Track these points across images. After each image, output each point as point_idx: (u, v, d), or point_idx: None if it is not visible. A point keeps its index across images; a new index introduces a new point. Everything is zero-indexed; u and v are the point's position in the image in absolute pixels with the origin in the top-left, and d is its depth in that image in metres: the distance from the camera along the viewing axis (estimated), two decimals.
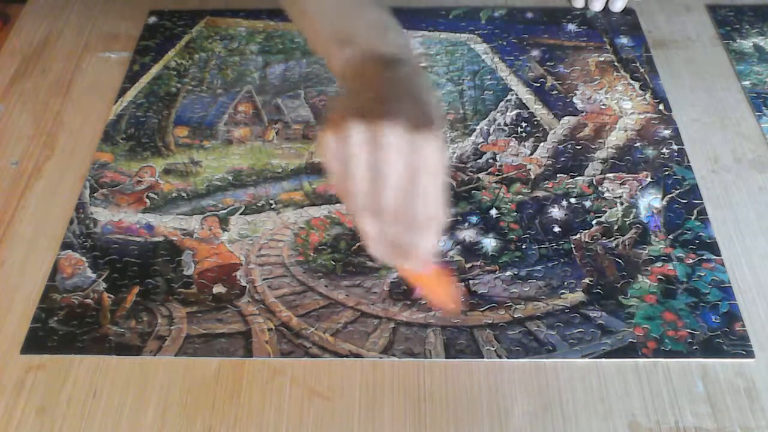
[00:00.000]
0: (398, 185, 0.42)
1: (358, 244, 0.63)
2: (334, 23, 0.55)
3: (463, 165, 0.69)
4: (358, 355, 0.56)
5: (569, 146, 0.70)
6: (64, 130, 0.73)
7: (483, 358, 0.55)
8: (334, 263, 0.62)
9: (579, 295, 0.59)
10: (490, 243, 0.63)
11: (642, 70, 0.77)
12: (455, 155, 0.70)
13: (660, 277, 0.59)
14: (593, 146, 0.70)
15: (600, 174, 0.67)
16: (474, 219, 0.64)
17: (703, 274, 0.60)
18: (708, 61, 0.78)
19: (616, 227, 0.63)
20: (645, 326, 0.57)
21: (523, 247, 0.62)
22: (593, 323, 0.57)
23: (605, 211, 0.64)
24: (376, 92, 0.46)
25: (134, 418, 0.53)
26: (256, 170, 0.69)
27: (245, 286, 0.60)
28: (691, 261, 0.60)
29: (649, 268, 0.60)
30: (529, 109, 0.74)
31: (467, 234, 0.63)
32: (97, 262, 0.62)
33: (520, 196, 0.66)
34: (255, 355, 0.56)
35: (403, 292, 0.59)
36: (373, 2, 0.58)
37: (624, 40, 0.81)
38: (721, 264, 0.60)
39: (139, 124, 0.74)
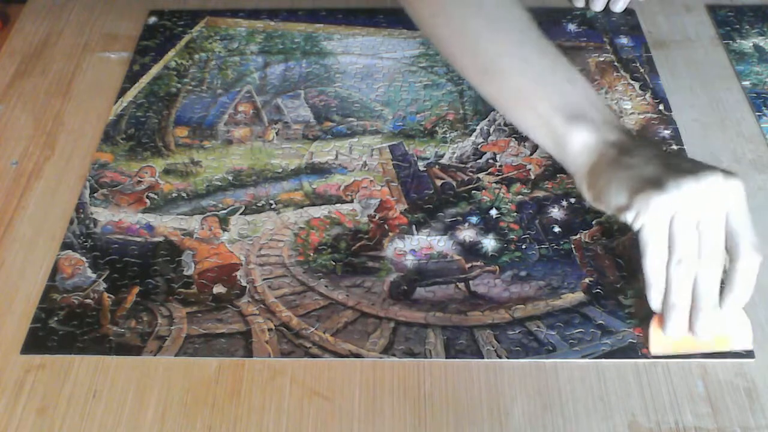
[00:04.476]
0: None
1: (358, 244, 0.63)
2: (555, 97, 0.54)
3: (463, 165, 0.69)
4: (358, 355, 0.56)
5: None
6: (64, 130, 0.73)
7: (483, 358, 0.55)
8: (334, 263, 0.62)
9: (579, 295, 0.59)
10: (490, 243, 0.63)
11: (642, 70, 0.77)
12: (455, 155, 0.70)
13: None
14: None
15: None
16: (474, 219, 0.64)
17: None
18: (708, 61, 0.78)
19: (616, 227, 0.63)
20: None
21: (523, 247, 0.62)
22: (593, 323, 0.57)
23: (605, 211, 0.64)
24: (654, 162, 0.50)
25: (134, 418, 0.53)
26: (256, 170, 0.69)
27: (245, 286, 0.60)
28: None
29: None
30: None
31: (467, 234, 0.63)
32: (97, 262, 0.62)
33: (520, 196, 0.66)
34: (255, 355, 0.56)
35: (403, 291, 0.59)
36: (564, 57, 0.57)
37: (624, 40, 0.81)
38: None
39: (139, 124, 0.74)
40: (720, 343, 0.53)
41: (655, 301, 0.51)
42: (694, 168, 0.48)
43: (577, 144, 0.52)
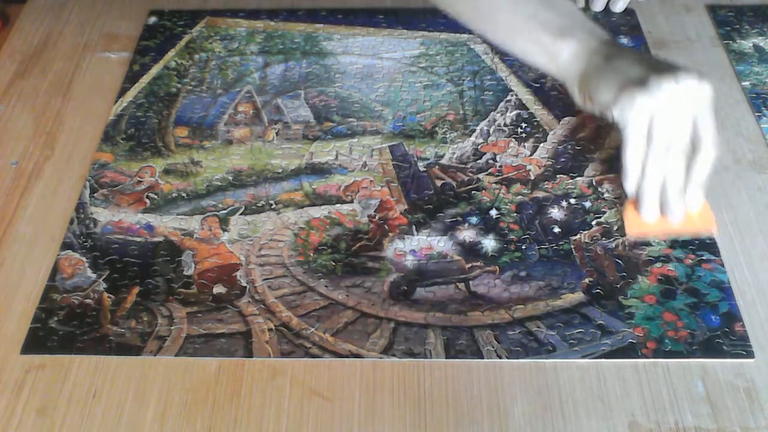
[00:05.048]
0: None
1: (358, 244, 0.63)
2: (544, 20, 0.59)
3: (463, 165, 0.69)
4: (358, 355, 0.56)
5: (569, 147, 0.70)
6: (64, 130, 0.73)
7: (483, 358, 0.55)
8: (334, 263, 0.62)
9: (579, 296, 0.59)
10: (490, 243, 0.63)
11: None
12: (455, 156, 0.70)
13: (660, 277, 0.60)
14: (593, 147, 0.70)
15: (600, 174, 0.67)
16: (474, 219, 0.64)
17: (702, 275, 0.60)
18: (708, 61, 0.78)
19: (615, 228, 0.63)
20: (645, 326, 0.57)
21: (523, 247, 0.62)
22: (593, 323, 0.57)
23: (605, 212, 0.64)
24: (639, 64, 0.54)
25: (134, 418, 0.53)
26: (256, 170, 0.69)
27: (245, 287, 0.60)
28: (690, 261, 0.61)
29: (648, 269, 0.60)
30: (529, 109, 0.74)
31: (467, 234, 0.63)
32: (97, 262, 0.62)
33: (519, 197, 0.66)
34: (255, 355, 0.56)
35: (403, 292, 0.59)
36: None
37: (624, 40, 0.81)
38: (720, 264, 0.60)
39: (139, 124, 0.74)
40: (686, 224, 0.56)
41: (630, 187, 0.56)
42: (674, 69, 0.53)
43: (566, 55, 0.58)
